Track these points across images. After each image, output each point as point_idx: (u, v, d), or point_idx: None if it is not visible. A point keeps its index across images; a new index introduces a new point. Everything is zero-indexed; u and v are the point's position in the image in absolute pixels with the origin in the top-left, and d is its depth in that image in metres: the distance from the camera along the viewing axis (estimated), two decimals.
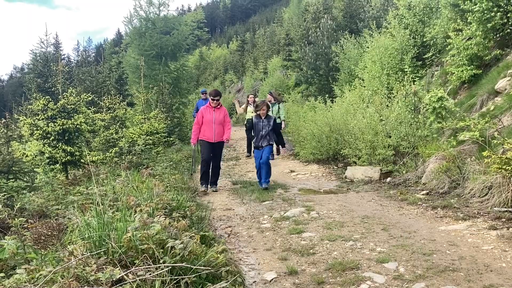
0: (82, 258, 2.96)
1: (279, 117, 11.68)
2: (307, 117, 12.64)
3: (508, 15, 8.40)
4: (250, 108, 11.91)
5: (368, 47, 14.17)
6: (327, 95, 14.43)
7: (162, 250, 3.18)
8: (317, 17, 26.45)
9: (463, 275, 3.46)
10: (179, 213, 4.35)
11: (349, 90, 13.16)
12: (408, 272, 3.58)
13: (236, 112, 16.80)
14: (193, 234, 3.45)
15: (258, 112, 7.91)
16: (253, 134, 7.97)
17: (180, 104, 16.45)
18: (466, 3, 8.79)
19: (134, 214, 3.95)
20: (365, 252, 4.15)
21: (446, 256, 3.93)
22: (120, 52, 45.97)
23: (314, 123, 11.18)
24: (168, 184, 5.89)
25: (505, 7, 8.37)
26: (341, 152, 10.09)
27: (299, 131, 12.39)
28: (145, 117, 12.36)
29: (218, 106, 7.87)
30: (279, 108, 12.05)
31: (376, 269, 3.69)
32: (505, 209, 5.01)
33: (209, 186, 7.91)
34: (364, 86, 12.81)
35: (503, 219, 4.83)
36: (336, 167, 10.10)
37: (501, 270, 3.55)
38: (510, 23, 8.49)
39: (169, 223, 3.62)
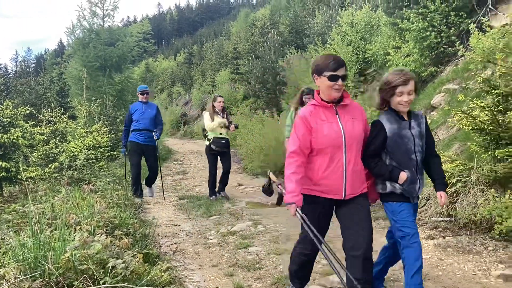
0: (15, 282, 2.79)
1: None
2: (255, 130, 12.73)
3: (442, 34, 8.93)
4: (219, 119, 7.80)
5: None
6: (274, 109, 14.62)
7: (103, 270, 3.06)
8: (264, 32, 26.93)
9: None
10: (122, 231, 4.21)
11: None
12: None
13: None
14: (135, 253, 3.35)
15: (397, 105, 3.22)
16: (386, 161, 3.17)
17: (124, 117, 16.03)
18: (404, 22, 9.26)
19: (74, 233, 3.79)
20: None
21: None
22: (62, 63, 44.39)
23: (262, 137, 11.27)
24: (110, 201, 5.70)
25: (439, 27, 8.90)
26: None
27: (247, 144, 12.44)
28: (88, 130, 11.96)
29: (346, 102, 3.11)
30: None
31: (321, 282, 3.73)
32: (441, 219, 5.26)
33: None
34: None
35: (440, 229, 5.06)
36: (284, 180, 10.20)
37: (438, 278, 3.70)
38: (443, 42, 9.03)
39: (111, 241, 3.50)
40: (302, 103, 7.24)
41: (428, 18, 8.95)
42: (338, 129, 3.00)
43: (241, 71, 30.09)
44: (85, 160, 9.00)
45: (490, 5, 8.92)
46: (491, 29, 7.34)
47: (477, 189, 4.88)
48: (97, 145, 10.92)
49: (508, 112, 4.82)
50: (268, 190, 3.92)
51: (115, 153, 12.16)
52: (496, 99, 5.03)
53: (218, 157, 7.97)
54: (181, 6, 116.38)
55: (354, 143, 3.03)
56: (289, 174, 3.08)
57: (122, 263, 3.07)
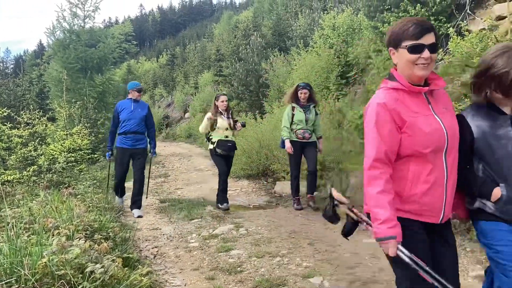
0: None
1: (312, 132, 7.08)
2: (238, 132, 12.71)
3: None
4: (223, 121, 7.15)
5: (296, 65, 14.61)
6: (257, 111, 14.64)
7: (81, 275, 3.01)
8: (247, 34, 26.90)
9: (383, 286, 3.61)
10: (101, 235, 4.16)
11: (278, 107, 13.45)
12: (332, 286, 3.67)
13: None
14: (115, 257, 3.31)
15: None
16: (479, 169, 2.29)
17: (105, 119, 15.81)
18: (384, 25, 9.37)
19: (52, 238, 3.72)
20: (291, 267, 4.21)
21: (369, 268, 4.07)
22: (42, 64, 43.68)
23: (245, 139, 11.26)
24: (90, 204, 5.61)
25: None
26: (270, 168, 10.24)
27: None
28: (68, 133, 11.78)
29: (437, 85, 2.17)
30: (316, 114, 7.14)
31: (301, 285, 3.74)
32: None
33: None
34: None
35: None
36: (266, 182, 10.21)
37: None
38: None
39: (90, 246, 3.45)
40: (297, 99, 6.95)
41: None
42: (438, 126, 2.09)
43: (224, 73, 30.06)
44: (64, 163, 8.86)
45: (468, 10, 9.09)
46: (469, 33, 7.47)
47: None
48: (77, 148, 10.77)
49: None
50: (333, 215, 2.41)
51: (95, 155, 12.01)
52: None
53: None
54: (164, 8, 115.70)
55: (455, 145, 2.16)
56: (377, 194, 2.07)
57: (101, 267, 3.02)
